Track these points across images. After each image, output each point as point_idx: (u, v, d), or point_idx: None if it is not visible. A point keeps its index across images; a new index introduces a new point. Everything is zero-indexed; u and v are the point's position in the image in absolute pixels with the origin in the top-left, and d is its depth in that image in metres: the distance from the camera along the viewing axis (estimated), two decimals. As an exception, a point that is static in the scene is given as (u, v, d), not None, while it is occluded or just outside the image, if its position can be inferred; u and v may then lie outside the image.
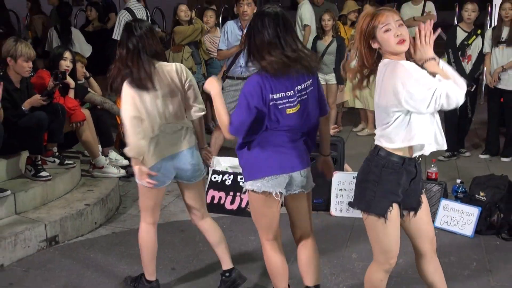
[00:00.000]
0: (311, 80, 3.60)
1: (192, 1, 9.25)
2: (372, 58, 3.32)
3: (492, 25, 9.35)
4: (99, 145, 6.64)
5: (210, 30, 8.46)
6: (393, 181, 3.29)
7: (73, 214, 5.35)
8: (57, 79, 5.81)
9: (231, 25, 6.75)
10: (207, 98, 8.88)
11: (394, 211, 3.33)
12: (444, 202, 5.51)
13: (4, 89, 5.21)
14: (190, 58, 8.00)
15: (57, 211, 5.37)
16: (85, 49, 8.82)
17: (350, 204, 3.49)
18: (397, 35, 3.19)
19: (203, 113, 4.16)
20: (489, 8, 10.81)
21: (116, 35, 7.73)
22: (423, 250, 3.52)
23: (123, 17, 7.76)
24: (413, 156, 3.31)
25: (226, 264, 4.31)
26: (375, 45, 3.27)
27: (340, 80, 8.34)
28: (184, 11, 8.16)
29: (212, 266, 4.74)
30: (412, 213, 3.45)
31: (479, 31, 7.55)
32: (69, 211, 5.39)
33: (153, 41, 3.91)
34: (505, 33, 7.34)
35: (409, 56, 3.27)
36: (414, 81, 3.10)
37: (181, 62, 7.71)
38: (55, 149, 6.04)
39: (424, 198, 3.51)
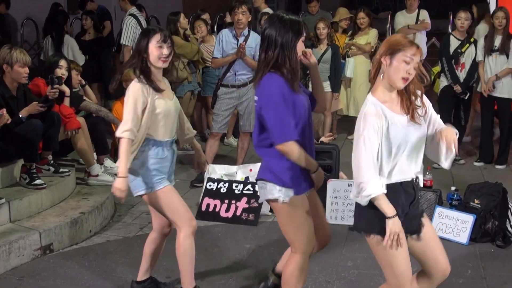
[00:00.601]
0: None
1: (187, 10, 9.27)
2: (374, 71, 3.37)
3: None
4: (94, 153, 6.62)
5: (205, 39, 8.47)
6: (393, 201, 3.27)
7: (68, 223, 5.32)
8: (53, 83, 5.81)
9: (226, 33, 6.77)
10: (202, 106, 8.91)
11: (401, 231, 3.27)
12: (439, 210, 5.51)
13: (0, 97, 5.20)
14: (186, 68, 8.00)
15: (52, 219, 5.35)
16: (79, 59, 8.81)
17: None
18: (408, 73, 3.26)
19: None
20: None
21: (125, 39, 7.83)
22: (432, 276, 3.46)
23: (131, 23, 7.89)
24: (409, 179, 3.34)
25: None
26: (385, 61, 3.30)
27: (335, 88, 8.35)
28: (185, 20, 8.19)
29: (206, 274, 4.72)
30: (414, 236, 3.41)
31: (472, 39, 7.58)
32: (64, 219, 5.37)
33: None
34: (497, 42, 7.36)
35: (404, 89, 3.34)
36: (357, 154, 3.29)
37: (177, 72, 7.72)
38: (50, 157, 6.02)
39: (426, 221, 3.47)
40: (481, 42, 7.49)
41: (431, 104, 3.47)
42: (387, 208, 3.22)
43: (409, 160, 3.33)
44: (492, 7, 8.55)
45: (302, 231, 3.66)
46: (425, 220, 3.47)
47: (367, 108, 3.29)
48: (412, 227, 3.39)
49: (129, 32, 7.84)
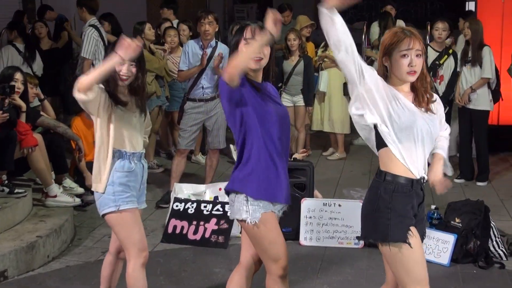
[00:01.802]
0: None
1: (151, 19, 9.25)
2: (382, 74, 3.41)
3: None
4: (52, 172, 6.55)
5: (172, 50, 8.46)
6: (406, 205, 3.32)
7: (23, 247, 5.25)
8: (5, 93, 5.76)
9: (191, 44, 6.78)
10: (167, 122, 8.88)
11: (415, 235, 3.32)
12: (418, 229, 5.54)
13: None
14: (154, 81, 7.99)
15: (6, 244, 5.27)
16: (38, 69, 8.76)
17: (359, 238, 3.49)
18: (411, 65, 3.32)
19: None
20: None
21: (85, 52, 7.69)
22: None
23: (92, 34, 7.74)
24: (418, 177, 3.36)
25: None
26: (386, 63, 3.38)
27: (308, 102, 8.39)
28: (151, 30, 8.19)
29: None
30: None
31: (450, 51, 7.70)
32: (19, 243, 5.29)
33: None
34: (470, 53, 7.52)
35: (416, 83, 3.39)
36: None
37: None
38: (4, 177, 5.95)
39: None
40: (460, 53, 7.62)
41: (443, 109, 3.56)
42: None
43: (416, 153, 3.35)
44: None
45: (274, 247, 3.65)
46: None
47: None
48: (420, 232, 3.42)
49: (91, 44, 7.73)
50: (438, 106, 3.49)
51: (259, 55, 3.58)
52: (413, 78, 3.35)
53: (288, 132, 3.72)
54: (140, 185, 4.10)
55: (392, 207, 3.31)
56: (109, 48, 4.07)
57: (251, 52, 3.45)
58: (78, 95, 3.81)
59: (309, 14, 10.44)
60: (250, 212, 3.58)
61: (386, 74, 3.41)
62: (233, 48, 3.70)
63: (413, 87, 3.41)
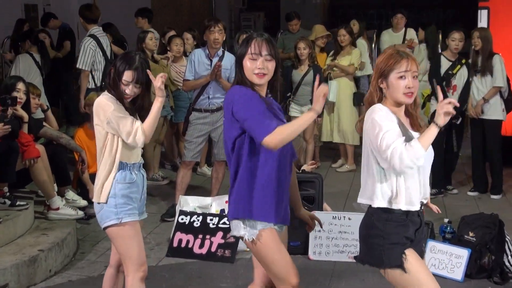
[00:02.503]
0: None
1: (155, 28, 9.28)
2: (377, 97, 3.48)
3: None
4: (55, 184, 6.56)
5: (175, 59, 8.49)
6: (400, 234, 3.39)
7: (25, 261, 5.25)
8: (6, 104, 5.79)
9: (198, 53, 6.78)
10: (172, 133, 8.91)
11: (411, 255, 3.39)
12: (431, 244, 5.53)
13: None
14: None
15: (8, 258, 5.27)
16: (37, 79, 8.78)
17: (357, 259, 3.56)
18: (408, 87, 3.39)
19: None
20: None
21: (81, 63, 7.67)
22: None
23: (89, 45, 7.70)
24: (416, 209, 3.42)
25: None
26: (382, 85, 3.45)
27: (317, 113, 8.36)
28: (153, 40, 8.19)
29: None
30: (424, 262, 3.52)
31: (463, 60, 7.68)
32: (21, 257, 5.30)
33: None
34: (480, 62, 7.51)
35: (409, 108, 3.48)
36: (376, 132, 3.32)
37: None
38: (5, 189, 5.96)
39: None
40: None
41: None
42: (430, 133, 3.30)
43: (418, 184, 3.43)
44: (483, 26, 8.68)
45: (278, 265, 3.63)
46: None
47: (375, 111, 3.39)
48: (418, 251, 3.48)
49: (87, 56, 7.68)
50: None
51: (261, 71, 3.58)
52: (410, 100, 3.43)
53: (290, 149, 3.73)
54: (141, 195, 4.14)
55: (385, 235, 3.39)
56: (114, 64, 4.12)
57: (295, 129, 3.50)
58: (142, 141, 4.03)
59: (317, 22, 10.47)
60: (248, 228, 3.60)
61: (380, 97, 3.47)
62: (239, 61, 3.66)
63: (406, 112, 3.50)
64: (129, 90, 4.01)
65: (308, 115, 3.54)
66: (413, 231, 3.43)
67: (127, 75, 4.00)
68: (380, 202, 3.43)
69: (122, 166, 4.03)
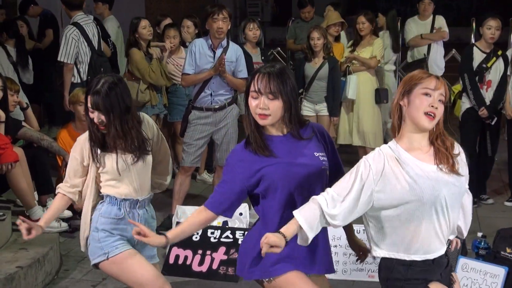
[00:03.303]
0: None
1: (150, 16, 9.29)
2: (396, 115, 3.45)
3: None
4: (35, 193, 6.58)
5: (173, 51, 8.49)
6: (422, 279, 3.39)
7: (1, 279, 5.27)
8: None
9: (199, 43, 6.76)
10: (168, 134, 8.91)
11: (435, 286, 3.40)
12: (462, 261, 5.51)
13: None
14: (148, 89, 8.02)
15: (-18, 276, 5.29)
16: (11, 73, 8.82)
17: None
18: (431, 105, 3.32)
19: None
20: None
21: (63, 56, 7.67)
22: None
23: (71, 34, 7.69)
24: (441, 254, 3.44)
25: None
26: (402, 102, 3.40)
27: (333, 111, 8.37)
28: (147, 28, 8.19)
29: None
30: None
31: (499, 52, 7.64)
32: (-4, 275, 5.32)
33: None
34: None
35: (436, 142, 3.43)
36: None
37: (137, 94, 7.74)
38: (-21, 197, 5.98)
39: (455, 277, 3.62)
40: (509, 54, 7.57)
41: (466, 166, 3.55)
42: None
43: (440, 227, 3.41)
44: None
45: None
46: (454, 276, 3.59)
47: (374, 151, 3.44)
48: (445, 282, 3.50)
49: (70, 47, 7.66)
50: (463, 165, 3.49)
51: (262, 112, 3.55)
52: (429, 124, 3.36)
53: (319, 185, 3.65)
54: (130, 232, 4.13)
55: (407, 280, 3.40)
56: None
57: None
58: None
59: (337, 10, 10.46)
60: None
61: (398, 123, 3.44)
62: (245, 97, 3.65)
63: (433, 146, 3.44)
64: (96, 117, 4.03)
65: None
66: (439, 273, 3.45)
67: (88, 101, 4.05)
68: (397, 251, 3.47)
69: (110, 199, 4.13)
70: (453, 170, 3.37)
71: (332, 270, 3.83)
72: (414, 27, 9.93)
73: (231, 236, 5.95)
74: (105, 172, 4.12)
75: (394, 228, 3.37)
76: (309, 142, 3.69)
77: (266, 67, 3.62)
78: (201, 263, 5.89)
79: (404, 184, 3.29)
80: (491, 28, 7.52)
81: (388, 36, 9.56)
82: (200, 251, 5.94)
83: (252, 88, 3.56)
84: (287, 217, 3.49)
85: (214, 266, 5.85)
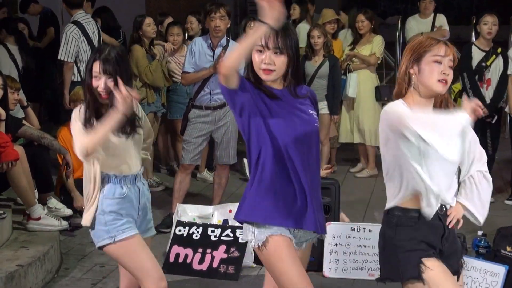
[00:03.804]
0: None
1: (150, 15, 9.28)
2: (405, 88, 3.48)
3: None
4: (36, 191, 6.58)
5: (176, 49, 8.49)
6: (414, 239, 3.38)
7: (2, 278, 5.26)
8: None
9: (199, 42, 6.77)
10: (168, 132, 8.92)
11: (432, 265, 3.37)
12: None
13: None
14: (144, 87, 8.03)
15: (-18, 274, 5.30)
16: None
17: (378, 279, 3.61)
18: (443, 73, 3.38)
19: None
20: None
21: (64, 54, 7.69)
22: None
23: (71, 33, 7.71)
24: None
25: None
26: (412, 70, 3.43)
27: (334, 110, 8.38)
28: (151, 26, 8.21)
29: None
30: (454, 277, 3.48)
31: (499, 50, 7.63)
32: (-3, 273, 5.32)
33: None
34: None
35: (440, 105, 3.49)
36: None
37: None
38: (-20, 196, 5.98)
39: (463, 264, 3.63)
40: (510, 53, 7.57)
41: (472, 134, 3.66)
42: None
43: (441, 179, 3.43)
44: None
45: (287, 278, 3.61)
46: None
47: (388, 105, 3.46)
48: (453, 267, 3.48)
49: (70, 45, 7.68)
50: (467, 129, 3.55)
51: (267, 67, 3.57)
52: (443, 89, 3.42)
53: (314, 144, 3.71)
54: (137, 211, 4.15)
55: (397, 242, 3.42)
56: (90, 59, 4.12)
57: (245, 47, 3.41)
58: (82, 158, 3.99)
59: (334, 6, 10.49)
60: (256, 233, 3.62)
61: (406, 88, 3.47)
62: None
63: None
64: (102, 83, 3.96)
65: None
66: (435, 237, 3.44)
67: (95, 66, 3.98)
68: (389, 202, 3.53)
69: (109, 179, 4.06)
70: None
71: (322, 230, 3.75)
72: (415, 25, 9.91)
73: (231, 234, 5.95)
74: (103, 148, 4.02)
75: None
76: (304, 100, 3.74)
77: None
78: (201, 261, 5.89)
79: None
80: (488, 23, 7.52)
81: (350, 35, 9.54)
82: (200, 250, 5.93)
83: (258, 43, 3.53)
84: (287, 168, 3.55)
85: (215, 265, 5.85)
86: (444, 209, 3.49)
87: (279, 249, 3.59)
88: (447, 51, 3.39)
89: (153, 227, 4.37)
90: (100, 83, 3.97)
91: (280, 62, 3.58)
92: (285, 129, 3.59)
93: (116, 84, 3.92)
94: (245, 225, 3.68)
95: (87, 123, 4.01)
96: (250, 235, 3.63)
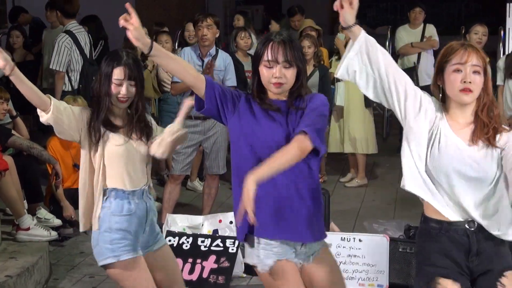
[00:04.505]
0: None
1: (143, 23, 9.28)
2: (437, 95, 3.41)
3: (506, 52, 9.55)
4: (25, 201, 6.55)
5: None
6: (431, 251, 3.30)
7: (-10, 289, 5.25)
8: None
9: (188, 52, 6.80)
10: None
11: (446, 283, 3.26)
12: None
13: None
14: None
15: (-30, 285, 5.27)
16: None
17: None
18: (464, 81, 3.27)
19: None
20: (502, 32, 11.07)
21: (56, 64, 7.69)
22: None
23: (64, 42, 7.72)
24: (451, 220, 3.32)
25: None
26: (439, 82, 3.38)
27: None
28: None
29: None
30: None
31: (488, 60, 7.63)
32: (-15, 284, 5.29)
33: None
34: None
35: (481, 114, 3.32)
36: None
37: None
38: (-32, 206, 5.96)
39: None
40: (500, 63, 7.59)
41: None
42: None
43: (463, 195, 3.31)
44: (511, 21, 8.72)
45: None
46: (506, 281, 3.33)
47: None
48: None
49: (62, 55, 7.70)
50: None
51: (278, 80, 3.57)
52: (468, 98, 3.30)
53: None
54: (144, 227, 4.12)
55: (418, 251, 3.39)
56: (99, 69, 4.11)
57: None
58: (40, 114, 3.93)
59: (323, 17, 10.52)
60: (261, 257, 3.60)
61: (442, 99, 3.40)
62: (254, 65, 3.69)
63: (477, 118, 3.34)
64: (125, 89, 3.97)
65: None
66: (459, 253, 3.31)
67: (118, 73, 3.98)
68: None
69: (117, 194, 4.02)
70: (490, 142, 3.28)
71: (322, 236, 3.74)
72: (405, 36, 9.94)
73: (221, 244, 5.93)
74: (112, 158, 4.01)
75: None
76: (297, 112, 3.65)
77: (277, 36, 3.63)
78: (191, 271, 5.87)
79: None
80: (478, 33, 7.58)
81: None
82: (190, 260, 5.92)
83: (266, 58, 3.57)
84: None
85: (205, 275, 5.83)
86: (474, 225, 3.32)
87: (285, 276, 3.58)
88: (464, 57, 3.29)
89: (162, 237, 4.34)
90: (121, 89, 3.97)
91: (290, 75, 3.60)
92: (259, 140, 3.59)
93: (138, 89, 4.00)
94: (248, 249, 3.66)
95: (93, 131, 3.98)
96: (256, 258, 3.62)
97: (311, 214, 3.66)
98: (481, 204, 3.31)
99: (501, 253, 3.37)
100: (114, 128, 4.03)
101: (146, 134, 4.14)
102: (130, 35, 3.47)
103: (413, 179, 3.34)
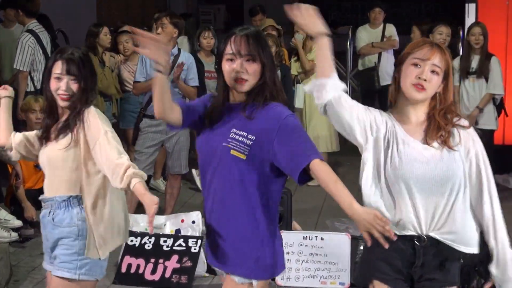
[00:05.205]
0: None
1: (103, 22, 9.23)
2: (394, 91, 3.31)
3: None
4: (-15, 202, 6.50)
5: (129, 58, 8.46)
6: (375, 257, 3.26)
7: (-51, 291, 5.19)
8: None
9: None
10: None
11: None
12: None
13: None
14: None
15: None
16: None
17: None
18: (419, 77, 3.16)
19: None
20: (461, 32, 11.20)
21: (19, 63, 7.63)
22: None
23: (27, 41, 7.67)
24: (399, 234, 3.18)
25: None
26: (397, 74, 3.27)
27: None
28: (107, 36, 8.19)
29: None
30: None
31: (451, 65, 7.71)
32: None
33: None
34: (474, 63, 7.55)
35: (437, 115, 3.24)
36: None
37: None
38: None
39: None
40: (455, 63, 7.66)
41: (479, 145, 3.35)
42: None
43: (418, 205, 3.20)
44: (470, 22, 8.83)
45: None
46: None
47: None
48: None
49: (26, 54, 7.66)
50: (469, 143, 3.30)
51: (240, 76, 3.25)
52: (419, 95, 3.18)
53: (229, 180, 3.41)
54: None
55: (364, 251, 3.46)
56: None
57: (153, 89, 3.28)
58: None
59: (284, 17, 10.52)
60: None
61: (394, 95, 3.30)
62: (218, 62, 3.39)
63: (430, 118, 3.25)
64: (64, 84, 3.71)
65: None
66: (403, 262, 3.25)
67: (57, 67, 3.74)
68: None
69: (79, 201, 3.98)
70: (446, 144, 3.19)
71: (235, 271, 3.48)
72: (365, 36, 10.02)
73: (184, 244, 5.93)
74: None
75: None
76: (250, 119, 3.29)
77: (242, 29, 3.32)
78: (153, 271, 5.86)
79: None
80: (442, 33, 7.65)
81: (187, 42, 9.57)
82: (152, 260, 5.90)
83: (228, 51, 3.27)
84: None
85: (167, 275, 5.82)
86: (424, 241, 3.23)
87: None
88: (428, 54, 3.17)
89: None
90: (61, 84, 3.73)
91: (252, 70, 3.27)
92: (200, 150, 3.48)
93: (80, 85, 3.74)
94: None
95: (44, 133, 3.84)
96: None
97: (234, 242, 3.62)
98: (441, 215, 3.22)
99: (446, 268, 3.32)
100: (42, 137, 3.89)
101: (59, 131, 3.84)
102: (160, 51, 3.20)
103: (370, 190, 3.34)
